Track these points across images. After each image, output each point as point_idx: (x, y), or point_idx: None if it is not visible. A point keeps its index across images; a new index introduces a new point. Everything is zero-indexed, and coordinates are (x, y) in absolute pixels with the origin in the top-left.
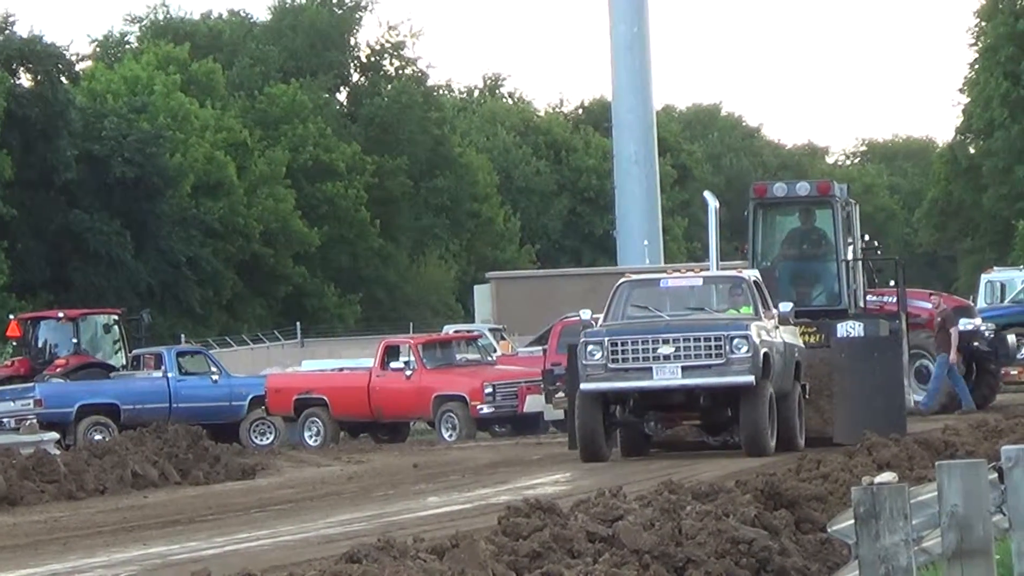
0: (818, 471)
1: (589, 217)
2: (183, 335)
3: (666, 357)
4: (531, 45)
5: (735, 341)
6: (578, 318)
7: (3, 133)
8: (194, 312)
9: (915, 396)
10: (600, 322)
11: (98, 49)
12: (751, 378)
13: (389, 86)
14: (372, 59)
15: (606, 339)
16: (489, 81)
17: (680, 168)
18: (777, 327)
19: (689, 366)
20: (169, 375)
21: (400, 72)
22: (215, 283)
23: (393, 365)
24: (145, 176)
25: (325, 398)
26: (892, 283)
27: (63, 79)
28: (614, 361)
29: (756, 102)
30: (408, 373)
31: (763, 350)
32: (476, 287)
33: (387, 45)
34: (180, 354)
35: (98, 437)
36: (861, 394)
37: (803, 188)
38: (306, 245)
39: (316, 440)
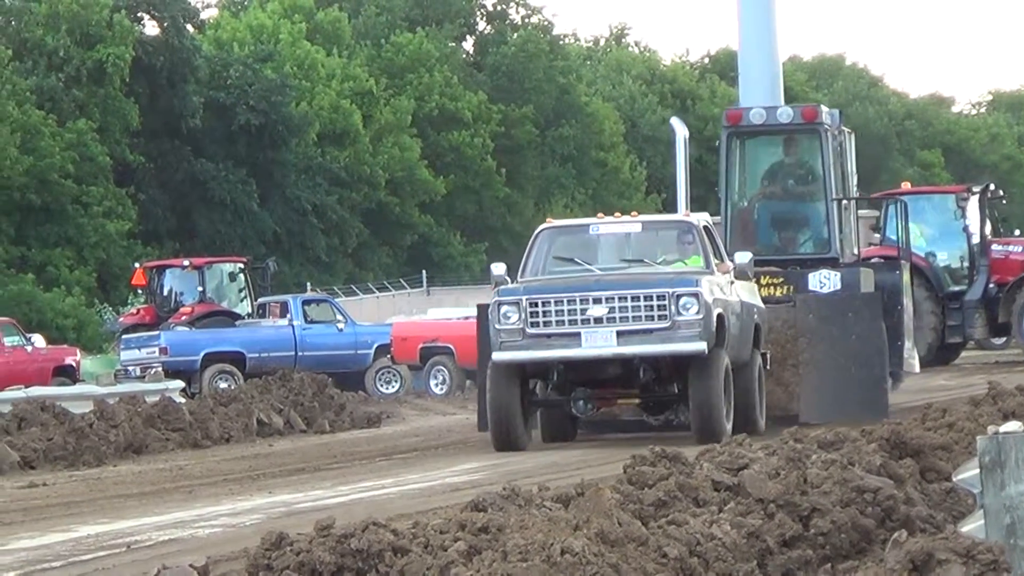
0: (943, 420)
1: (715, 166)
2: (309, 283)
3: (597, 320)
4: None
5: (682, 300)
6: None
7: (130, 82)
8: (320, 260)
9: None
10: (517, 278)
11: None
12: (702, 345)
13: (515, 35)
14: (498, 8)
15: (524, 299)
16: (615, 30)
17: None
18: (732, 283)
19: (626, 331)
20: (295, 323)
21: (526, 21)
22: (341, 231)
23: None
24: (270, 124)
25: (451, 346)
26: (1017, 232)
27: (189, 27)
28: (534, 325)
29: (881, 53)
30: None
31: (716, 311)
32: None
33: None
34: (306, 302)
35: (223, 385)
36: (832, 364)
37: (785, 114)
38: (432, 194)
39: (441, 388)
